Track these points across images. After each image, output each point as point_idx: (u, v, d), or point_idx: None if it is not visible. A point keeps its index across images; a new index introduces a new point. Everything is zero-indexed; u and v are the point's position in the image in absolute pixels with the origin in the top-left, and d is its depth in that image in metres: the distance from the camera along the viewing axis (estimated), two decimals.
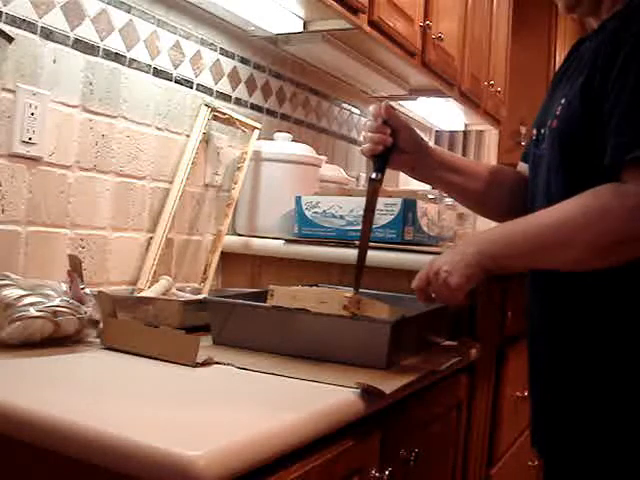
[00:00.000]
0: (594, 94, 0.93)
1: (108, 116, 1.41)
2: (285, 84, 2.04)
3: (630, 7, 0.95)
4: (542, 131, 1.08)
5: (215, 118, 1.66)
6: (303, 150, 1.80)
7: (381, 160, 1.14)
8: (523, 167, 1.26)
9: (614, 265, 0.93)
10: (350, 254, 1.48)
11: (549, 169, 1.03)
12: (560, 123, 1.00)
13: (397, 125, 1.14)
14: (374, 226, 1.46)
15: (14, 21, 1.21)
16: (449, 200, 1.79)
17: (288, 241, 1.62)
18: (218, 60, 1.73)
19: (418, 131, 1.23)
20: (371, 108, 1.15)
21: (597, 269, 0.94)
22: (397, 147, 1.15)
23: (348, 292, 1.08)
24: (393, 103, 2.83)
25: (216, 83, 1.73)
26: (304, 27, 1.77)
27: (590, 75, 0.95)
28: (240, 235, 1.74)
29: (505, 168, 1.35)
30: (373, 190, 1.13)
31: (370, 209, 1.13)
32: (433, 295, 1.04)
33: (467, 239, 1.04)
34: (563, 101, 1.01)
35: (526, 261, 1.03)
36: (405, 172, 1.24)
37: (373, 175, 1.13)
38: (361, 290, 1.11)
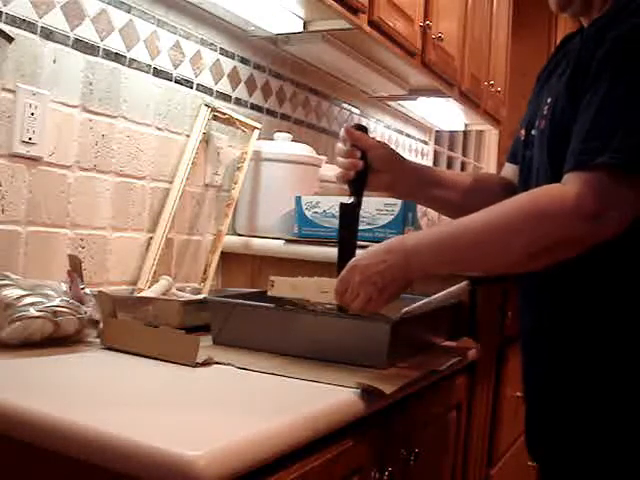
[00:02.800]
0: (578, 93, 0.92)
1: (108, 116, 1.41)
2: (285, 84, 2.04)
3: (616, 7, 0.94)
4: (532, 132, 1.07)
5: (215, 118, 1.66)
6: (303, 150, 1.80)
7: (356, 184, 1.11)
8: (509, 168, 1.24)
9: (545, 266, 0.92)
10: None
11: (538, 171, 1.02)
12: (548, 123, 0.99)
13: (366, 146, 1.11)
14: (374, 226, 1.47)
15: (14, 21, 1.21)
16: None
17: (288, 241, 1.62)
18: (218, 60, 1.73)
19: (393, 147, 1.19)
20: (340, 132, 1.12)
21: (569, 270, 0.93)
22: (371, 168, 1.11)
23: None
24: (392, 103, 2.83)
25: (216, 83, 1.73)
26: (304, 27, 1.77)
27: (573, 74, 0.94)
28: (240, 235, 1.74)
29: (489, 175, 1.33)
30: (352, 215, 1.09)
31: (349, 234, 1.09)
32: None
33: (395, 243, 0.97)
34: (549, 100, 1.00)
35: (458, 268, 1.02)
36: (385, 193, 1.21)
37: (347, 200, 1.10)
38: None
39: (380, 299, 0.98)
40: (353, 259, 0.99)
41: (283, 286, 1.10)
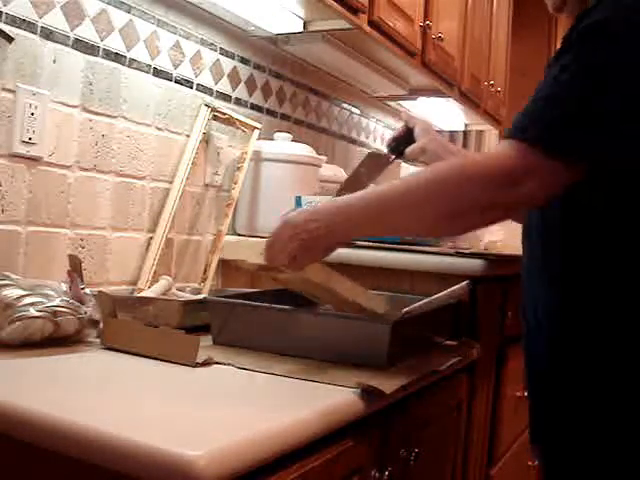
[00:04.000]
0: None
1: (108, 116, 1.41)
2: (285, 84, 2.04)
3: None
4: None
5: (215, 118, 1.66)
6: (303, 150, 1.80)
7: (392, 147, 1.29)
8: None
9: (461, 234, 0.96)
10: (350, 254, 1.48)
11: None
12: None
13: (413, 122, 1.29)
14: None
15: (14, 21, 1.21)
16: None
17: None
18: (218, 60, 1.73)
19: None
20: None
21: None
22: (415, 139, 1.26)
23: None
24: (392, 103, 2.84)
25: (216, 83, 1.73)
26: (304, 27, 1.77)
27: (549, 64, 0.95)
28: (240, 235, 1.74)
29: None
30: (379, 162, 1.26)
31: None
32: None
33: (327, 204, 1.01)
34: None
35: (383, 233, 1.11)
36: (419, 159, 1.29)
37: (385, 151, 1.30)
38: None
39: (305, 257, 0.99)
40: (286, 216, 1.02)
41: (232, 249, 1.24)
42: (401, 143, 1.28)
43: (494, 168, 0.87)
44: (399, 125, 1.31)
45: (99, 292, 1.21)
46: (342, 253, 1.48)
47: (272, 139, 1.81)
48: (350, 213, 0.98)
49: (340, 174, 1.98)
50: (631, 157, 0.86)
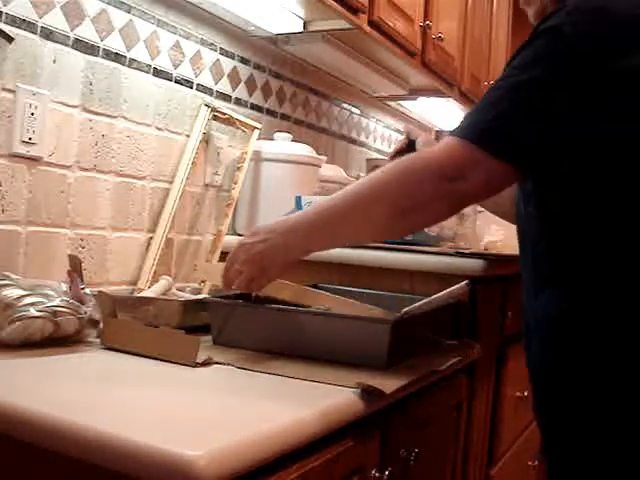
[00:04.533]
0: None
1: (108, 116, 1.41)
2: (285, 84, 2.04)
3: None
4: None
5: (215, 118, 1.66)
6: (303, 150, 1.80)
7: (398, 157, 1.29)
8: None
9: (408, 234, 0.97)
10: (350, 254, 1.48)
11: None
12: None
13: (414, 135, 1.33)
14: None
15: (14, 21, 1.21)
16: None
17: None
18: (218, 60, 1.73)
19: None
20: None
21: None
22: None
23: None
24: (392, 103, 2.84)
25: (216, 83, 1.73)
26: (304, 27, 1.77)
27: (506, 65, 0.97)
28: (240, 235, 1.74)
29: None
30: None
31: None
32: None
33: (279, 222, 1.00)
34: None
35: (336, 244, 1.08)
36: None
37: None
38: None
39: (262, 279, 1.00)
40: (240, 240, 1.02)
41: (201, 272, 1.21)
42: (403, 155, 1.29)
43: (442, 160, 0.88)
44: (399, 126, 1.33)
45: (99, 292, 1.21)
46: (342, 253, 1.49)
47: (272, 139, 1.81)
48: (304, 226, 0.98)
49: (340, 174, 1.98)
50: (577, 157, 0.86)
